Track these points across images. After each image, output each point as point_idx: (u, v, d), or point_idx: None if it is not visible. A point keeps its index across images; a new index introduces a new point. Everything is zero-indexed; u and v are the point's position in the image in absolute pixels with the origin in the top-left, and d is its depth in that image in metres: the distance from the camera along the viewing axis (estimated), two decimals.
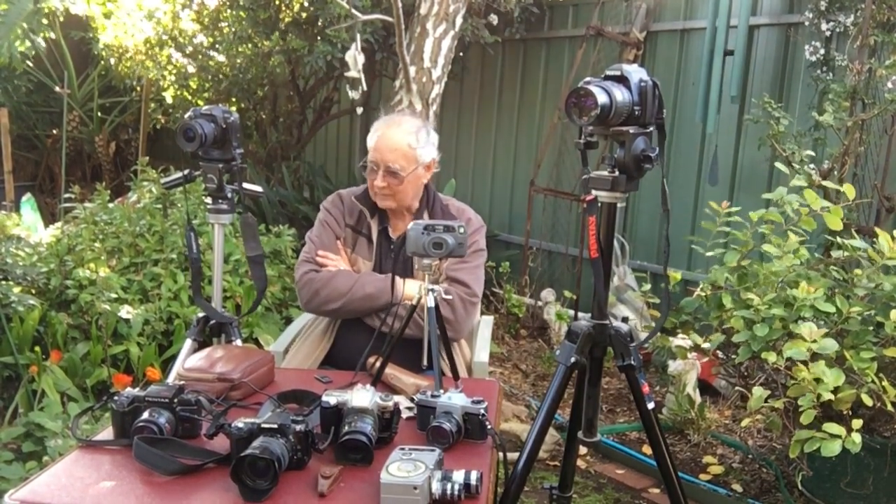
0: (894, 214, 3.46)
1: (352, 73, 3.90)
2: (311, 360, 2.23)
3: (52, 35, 6.60)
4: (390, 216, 2.30)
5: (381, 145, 2.18)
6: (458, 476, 1.35)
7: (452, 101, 5.47)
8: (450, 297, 2.09)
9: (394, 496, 1.31)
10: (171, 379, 2.08)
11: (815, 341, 2.25)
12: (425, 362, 1.99)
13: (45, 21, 5.99)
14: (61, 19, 6.49)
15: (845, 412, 2.32)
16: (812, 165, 3.29)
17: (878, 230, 2.57)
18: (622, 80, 1.59)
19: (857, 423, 2.19)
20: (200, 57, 5.56)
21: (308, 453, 1.44)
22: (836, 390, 2.22)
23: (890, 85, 3.31)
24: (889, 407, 2.21)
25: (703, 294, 2.73)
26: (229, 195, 2.31)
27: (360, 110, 4.77)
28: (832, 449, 2.15)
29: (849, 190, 2.62)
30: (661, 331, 2.82)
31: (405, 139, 2.19)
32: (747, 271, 2.69)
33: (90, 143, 7.50)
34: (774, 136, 3.40)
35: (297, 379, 1.94)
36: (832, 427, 2.19)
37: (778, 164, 3.05)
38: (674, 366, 3.55)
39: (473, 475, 1.36)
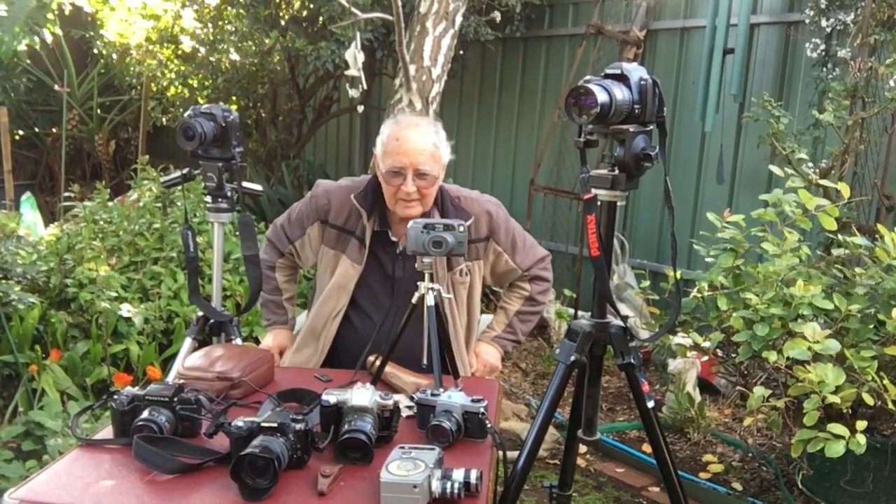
0: (894, 213, 3.45)
1: (352, 72, 3.89)
2: (314, 360, 2.22)
3: (58, 31, 6.59)
4: (398, 221, 2.15)
5: (407, 148, 2.04)
6: (458, 475, 1.35)
7: (452, 100, 5.47)
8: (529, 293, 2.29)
9: (394, 495, 1.31)
10: (170, 378, 2.07)
11: (817, 342, 2.23)
12: (425, 361, 1.99)
13: (50, 16, 5.99)
14: (67, 11, 6.48)
15: (846, 411, 2.32)
16: (811, 164, 3.28)
17: (880, 227, 2.56)
18: (622, 78, 1.58)
19: (860, 425, 2.17)
20: (200, 55, 5.56)
21: (308, 452, 1.44)
22: (836, 389, 2.21)
23: (891, 83, 3.31)
24: (890, 406, 2.21)
25: (700, 295, 2.71)
26: (229, 194, 2.30)
27: (360, 109, 4.77)
28: (836, 450, 2.13)
29: (844, 189, 2.61)
30: None
31: (430, 139, 2.07)
32: (742, 272, 2.67)
33: (90, 141, 7.51)
34: (774, 135, 3.39)
35: (297, 378, 1.94)
36: (836, 428, 2.17)
37: (772, 167, 2.98)
38: (674, 364, 3.56)
39: (473, 474, 1.36)
